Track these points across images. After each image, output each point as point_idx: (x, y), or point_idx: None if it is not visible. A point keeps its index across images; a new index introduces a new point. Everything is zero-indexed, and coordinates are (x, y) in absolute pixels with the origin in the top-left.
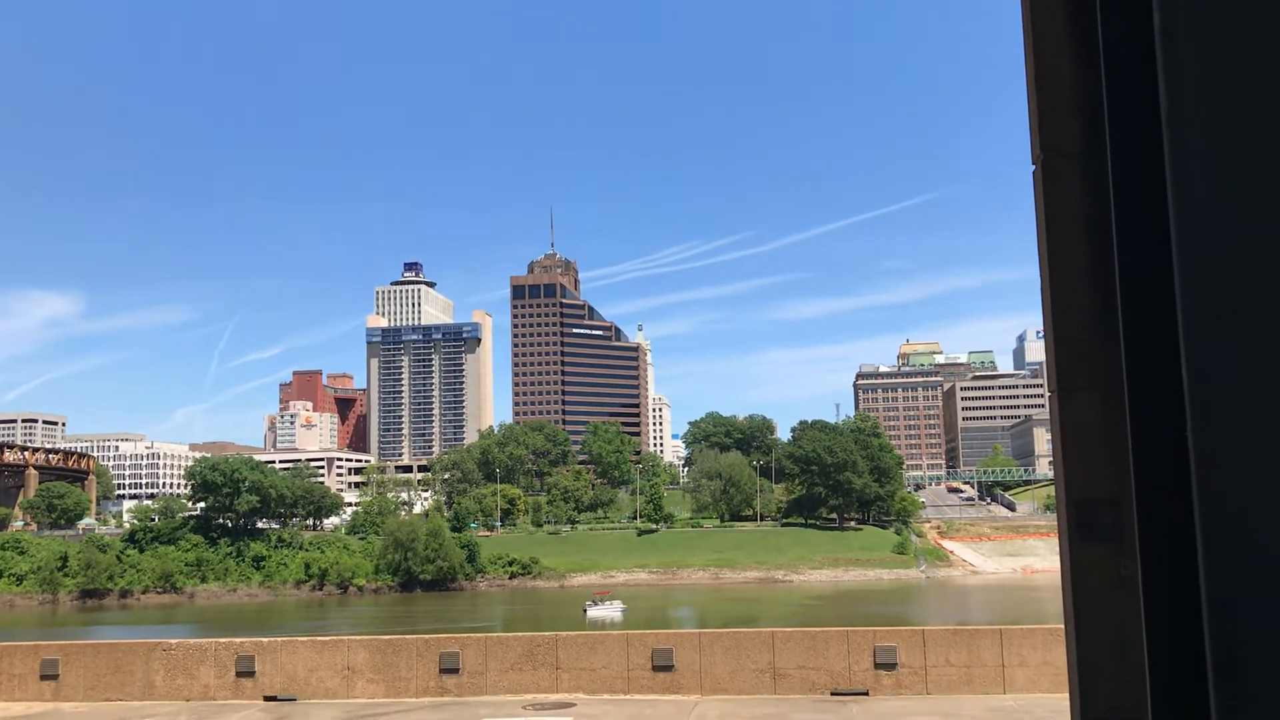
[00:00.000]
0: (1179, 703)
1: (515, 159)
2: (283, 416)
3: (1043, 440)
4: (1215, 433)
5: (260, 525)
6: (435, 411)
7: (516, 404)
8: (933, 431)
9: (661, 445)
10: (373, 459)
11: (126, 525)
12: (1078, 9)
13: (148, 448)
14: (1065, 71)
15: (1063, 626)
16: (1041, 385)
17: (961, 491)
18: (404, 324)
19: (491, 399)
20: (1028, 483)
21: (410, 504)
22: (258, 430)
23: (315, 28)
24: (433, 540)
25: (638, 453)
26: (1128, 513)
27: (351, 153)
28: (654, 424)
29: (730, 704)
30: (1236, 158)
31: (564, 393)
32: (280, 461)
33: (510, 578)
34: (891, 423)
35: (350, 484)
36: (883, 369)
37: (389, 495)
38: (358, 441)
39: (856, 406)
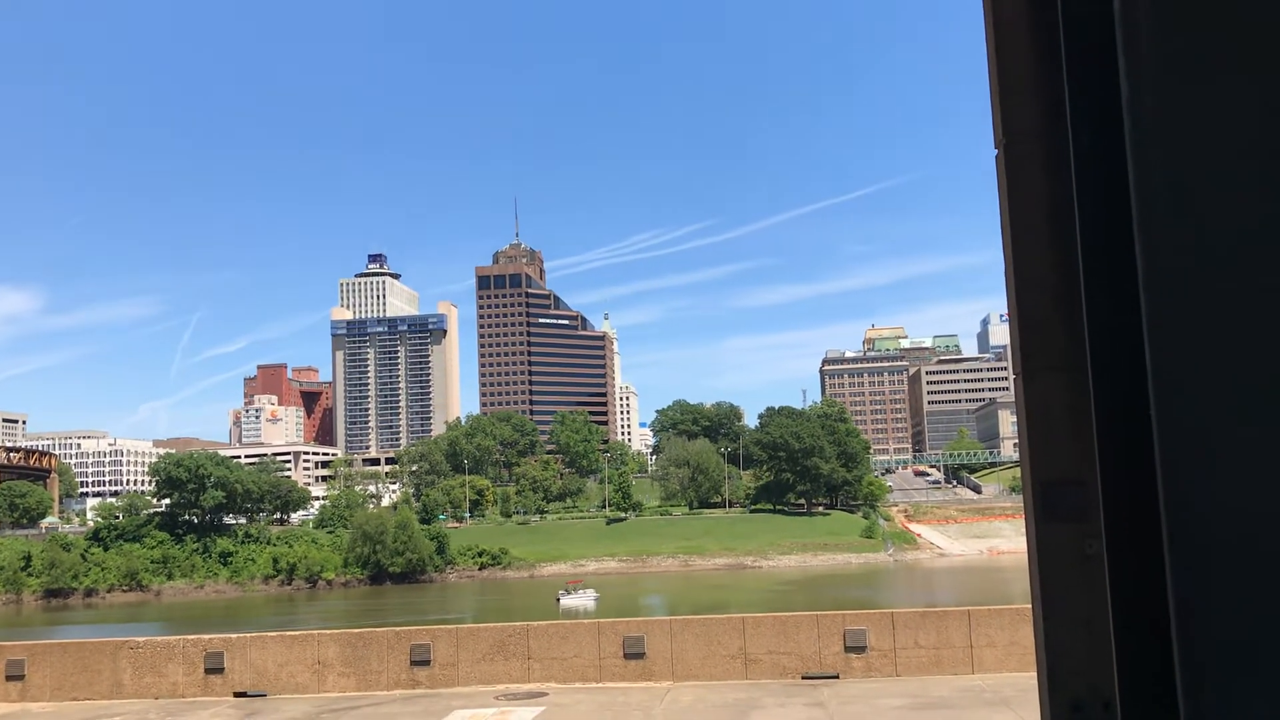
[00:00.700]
0: (1146, 678)
1: (479, 149)
2: (248, 411)
3: (1008, 422)
4: (1178, 412)
5: (227, 521)
6: (402, 403)
7: (483, 395)
8: (899, 416)
9: (629, 434)
10: (340, 452)
11: (90, 523)
12: None
13: (110, 445)
14: (1026, 56)
15: (1029, 606)
16: (1006, 368)
17: (928, 475)
18: (369, 316)
19: (458, 390)
20: (993, 465)
21: (378, 497)
22: (223, 425)
23: (278, 21)
24: (401, 533)
25: (605, 441)
26: (1092, 492)
27: (314, 145)
28: (621, 412)
29: (702, 689)
30: (1196, 140)
31: (531, 383)
32: (246, 456)
33: (480, 569)
34: (858, 408)
35: (317, 478)
36: (849, 354)
37: (356, 488)
38: (324, 435)
39: (823, 392)
